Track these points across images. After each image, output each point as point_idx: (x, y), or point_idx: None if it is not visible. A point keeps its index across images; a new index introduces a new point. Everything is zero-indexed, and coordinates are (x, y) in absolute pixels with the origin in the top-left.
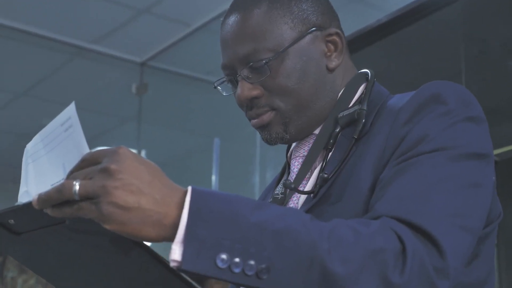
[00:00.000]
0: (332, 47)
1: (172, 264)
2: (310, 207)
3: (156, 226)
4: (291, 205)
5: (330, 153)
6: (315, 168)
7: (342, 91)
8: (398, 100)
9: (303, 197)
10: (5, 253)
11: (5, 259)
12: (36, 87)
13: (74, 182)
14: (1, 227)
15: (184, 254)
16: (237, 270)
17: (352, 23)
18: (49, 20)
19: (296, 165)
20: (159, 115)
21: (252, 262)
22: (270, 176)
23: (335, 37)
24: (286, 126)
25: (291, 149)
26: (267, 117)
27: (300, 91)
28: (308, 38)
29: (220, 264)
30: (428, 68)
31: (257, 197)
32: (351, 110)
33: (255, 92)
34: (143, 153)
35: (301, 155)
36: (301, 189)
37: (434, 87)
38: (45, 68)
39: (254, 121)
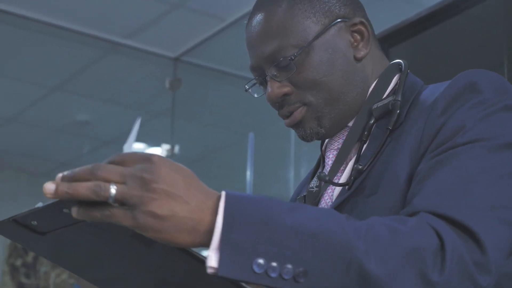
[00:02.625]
0: (358, 37)
1: (209, 271)
2: (344, 199)
3: (191, 233)
4: (325, 198)
5: (365, 145)
6: (349, 161)
7: (375, 82)
8: (433, 90)
9: (337, 190)
10: (33, 252)
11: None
12: (70, 82)
13: (111, 186)
14: (25, 229)
15: (221, 260)
16: (274, 275)
17: (391, 17)
18: (83, 15)
19: (330, 158)
20: (192, 110)
21: (289, 266)
22: (305, 172)
23: (360, 27)
24: (319, 120)
25: (325, 143)
26: (298, 113)
27: (329, 83)
28: (332, 30)
29: (256, 269)
30: (468, 62)
31: (291, 192)
32: (385, 101)
33: (284, 90)
34: (176, 148)
35: (335, 147)
36: (335, 181)
37: (469, 76)
38: (79, 63)
39: (287, 121)
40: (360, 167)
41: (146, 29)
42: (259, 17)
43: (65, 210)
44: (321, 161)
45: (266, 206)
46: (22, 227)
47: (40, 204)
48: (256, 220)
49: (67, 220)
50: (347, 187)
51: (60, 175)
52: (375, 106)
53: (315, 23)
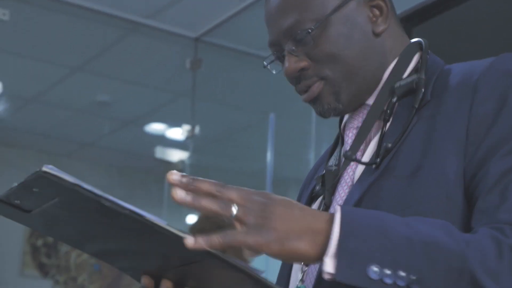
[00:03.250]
0: (377, 11)
1: (326, 277)
2: (375, 180)
3: (310, 243)
4: (345, 177)
5: (388, 124)
6: (370, 140)
7: (395, 60)
8: (465, 69)
9: (359, 169)
10: (29, 227)
11: None
12: (91, 62)
13: (233, 206)
14: (11, 207)
15: (338, 266)
16: (389, 281)
17: None
18: None
19: (350, 136)
20: (213, 91)
21: (403, 274)
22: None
23: (379, 1)
24: (337, 95)
25: (344, 121)
26: (316, 88)
27: (347, 57)
28: (351, 4)
29: (372, 275)
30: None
31: None
32: (409, 79)
33: (301, 64)
34: (197, 129)
35: (355, 126)
36: (358, 159)
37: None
38: (100, 43)
39: (304, 95)
40: (389, 145)
41: (167, 8)
42: None
43: (35, 189)
44: (340, 139)
45: (380, 217)
46: (9, 206)
47: (14, 184)
48: (371, 229)
49: (41, 198)
50: (374, 166)
51: (178, 177)
52: (397, 84)
53: None
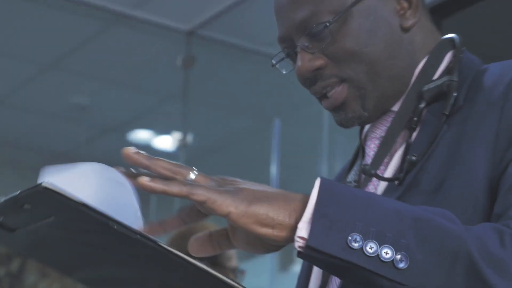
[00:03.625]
0: (405, 3)
1: (296, 245)
2: (398, 198)
3: (285, 206)
4: None
5: (415, 133)
6: (395, 151)
7: (424, 59)
8: (500, 70)
9: (382, 185)
10: (5, 247)
11: (24, 262)
12: (66, 59)
13: (191, 172)
14: None
15: (312, 230)
16: (371, 254)
17: None
18: None
19: (372, 148)
20: (208, 93)
21: (388, 249)
22: (340, 165)
23: None
24: (363, 100)
25: (365, 130)
26: (339, 94)
27: (370, 55)
28: None
29: (352, 245)
30: None
31: None
32: (439, 82)
33: (317, 63)
34: (189, 137)
35: (378, 136)
36: (380, 174)
37: None
38: (77, 37)
39: (326, 102)
40: (414, 158)
41: None
42: None
43: (26, 206)
44: (361, 151)
45: (365, 191)
46: None
47: (1, 198)
48: (354, 199)
49: (33, 216)
50: (397, 182)
51: (132, 150)
52: (426, 87)
53: None
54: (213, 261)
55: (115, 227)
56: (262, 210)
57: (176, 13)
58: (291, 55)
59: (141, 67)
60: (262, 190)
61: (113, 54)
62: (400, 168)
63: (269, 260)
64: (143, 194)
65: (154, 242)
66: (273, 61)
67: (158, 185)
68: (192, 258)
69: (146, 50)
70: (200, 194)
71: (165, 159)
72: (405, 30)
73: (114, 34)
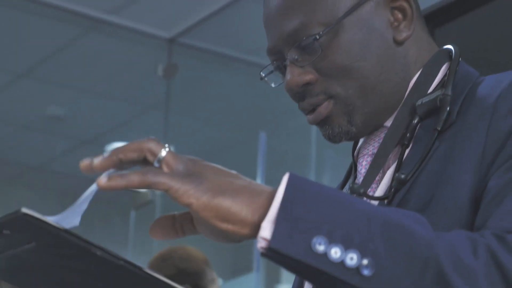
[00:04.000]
0: (399, 15)
1: (259, 245)
2: None
3: (249, 201)
4: None
5: (407, 150)
6: (387, 168)
7: (419, 72)
8: (493, 83)
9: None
10: None
11: None
12: (41, 67)
13: (162, 149)
14: None
15: (275, 231)
16: (335, 259)
17: None
18: None
19: (364, 165)
20: (190, 103)
21: (353, 254)
22: (328, 181)
23: (402, 3)
24: (350, 116)
25: (358, 146)
26: (324, 109)
27: (362, 70)
28: (368, 5)
29: (316, 248)
30: None
31: None
32: (432, 96)
33: (306, 77)
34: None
35: (370, 152)
36: (370, 194)
37: None
38: (52, 44)
39: (309, 116)
40: (403, 176)
41: (135, 3)
42: None
43: (5, 232)
44: (353, 169)
45: (335, 190)
46: None
47: None
48: (323, 198)
49: (12, 242)
50: (386, 201)
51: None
52: (419, 102)
53: None
54: (196, 285)
55: (98, 253)
56: (225, 204)
57: (157, 20)
58: (281, 68)
59: (120, 76)
60: (229, 181)
61: (91, 62)
62: (390, 186)
63: (254, 279)
64: (123, 209)
65: (139, 268)
66: (262, 74)
67: (116, 182)
68: (177, 283)
69: (125, 58)
70: (162, 183)
71: (132, 142)
72: (399, 43)
73: (91, 41)
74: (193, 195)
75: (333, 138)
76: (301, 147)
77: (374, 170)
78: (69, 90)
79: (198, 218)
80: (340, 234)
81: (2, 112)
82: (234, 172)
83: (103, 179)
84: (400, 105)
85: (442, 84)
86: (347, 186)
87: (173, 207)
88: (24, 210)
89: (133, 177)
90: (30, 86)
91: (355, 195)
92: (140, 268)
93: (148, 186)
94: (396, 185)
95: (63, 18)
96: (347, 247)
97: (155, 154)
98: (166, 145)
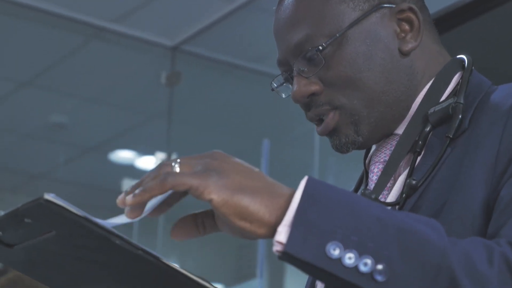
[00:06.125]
0: (406, 26)
1: (275, 249)
2: None
3: (268, 202)
4: None
5: (419, 157)
6: (399, 175)
7: (430, 82)
8: (506, 92)
9: None
10: (6, 264)
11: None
12: (44, 75)
13: (174, 163)
14: None
15: (291, 235)
16: (349, 264)
17: None
18: None
19: (375, 172)
20: (194, 111)
21: (368, 260)
22: None
23: (409, 14)
24: (356, 126)
25: (370, 154)
26: (331, 120)
27: (367, 81)
28: (373, 17)
29: (330, 253)
30: None
31: None
32: (444, 105)
33: (311, 88)
34: (174, 156)
35: (382, 160)
36: (382, 200)
37: None
38: (55, 52)
39: (318, 129)
40: (414, 182)
41: (138, 10)
42: (288, 0)
43: (26, 220)
44: (365, 177)
45: (351, 195)
46: None
47: (0, 213)
48: (338, 204)
49: (33, 231)
50: (397, 207)
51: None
52: (431, 110)
53: (352, 9)
54: None
55: (117, 242)
56: (244, 202)
57: (160, 28)
58: (289, 79)
59: (124, 84)
60: (250, 179)
61: (94, 70)
62: (402, 193)
63: (257, 286)
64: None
65: (156, 258)
66: (274, 84)
67: (141, 196)
68: (194, 276)
69: (128, 66)
70: (182, 183)
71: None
72: (405, 54)
73: (94, 50)
74: (214, 191)
75: (340, 148)
76: (304, 155)
77: (386, 177)
78: (72, 98)
79: (219, 215)
80: (354, 240)
81: (6, 120)
82: (256, 169)
83: (128, 199)
84: (410, 113)
85: (454, 93)
86: (359, 193)
87: (177, 213)
88: (46, 196)
89: (153, 185)
90: (33, 95)
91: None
92: (157, 258)
93: (169, 189)
94: (407, 191)
95: (66, 27)
96: (361, 253)
97: (171, 165)
98: (177, 160)
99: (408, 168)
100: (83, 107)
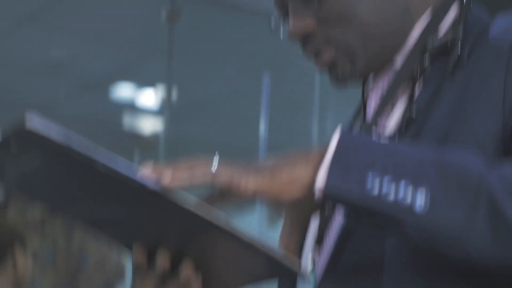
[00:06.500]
0: None
1: (317, 196)
2: None
3: (306, 164)
4: None
5: (417, 90)
6: (397, 106)
7: (428, 14)
8: (507, 24)
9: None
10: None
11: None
12: (44, 12)
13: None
14: None
15: (329, 175)
16: (389, 198)
17: None
18: None
19: (373, 98)
20: (194, 47)
21: (408, 189)
22: (331, 123)
23: None
24: (352, 59)
25: (368, 87)
26: (326, 56)
27: (360, 15)
28: None
29: (369, 187)
30: None
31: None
32: (442, 38)
33: (306, 26)
34: (174, 94)
35: (380, 90)
36: (380, 132)
37: None
38: None
39: (317, 65)
40: (413, 112)
41: None
42: None
43: (12, 150)
44: (363, 109)
45: (383, 138)
46: None
47: None
48: (375, 145)
49: (19, 161)
50: (397, 137)
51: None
52: (429, 44)
53: None
54: None
55: (101, 170)
56: (284, 175)
57: None
58: (286, 18)
59: (123, 21)
60: (281, 160)
61: (93, 7)
62: (401, 124)
63: (257, 218)
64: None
65: (143, 185)
66: (271, 26)
67: (181, 182)
68: (181, 201)
69: (128, 2)
70: (223, 181)
71: (180, 163)
72: None
73: None
74: (254, 181)
75: (338, 82)
76: (305, 91)
77: (384, 108)
78: (71, 35)
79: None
80: (391, 171)
81: (6, 57)
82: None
83: (166, 181)
84: (410, 45)
85: (453, 26)
86: (355, 126)
87: (177, 149)
88: (28, 124)
89: (196, 174)
90: (33, 31)
91: (365, 132)
92: (144, 186)
93: (211, 181)
94: (406, 123)
95: None
96: (399, 177)
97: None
98: (215, 157)
99: (407, 101)
100: (83, 44)
